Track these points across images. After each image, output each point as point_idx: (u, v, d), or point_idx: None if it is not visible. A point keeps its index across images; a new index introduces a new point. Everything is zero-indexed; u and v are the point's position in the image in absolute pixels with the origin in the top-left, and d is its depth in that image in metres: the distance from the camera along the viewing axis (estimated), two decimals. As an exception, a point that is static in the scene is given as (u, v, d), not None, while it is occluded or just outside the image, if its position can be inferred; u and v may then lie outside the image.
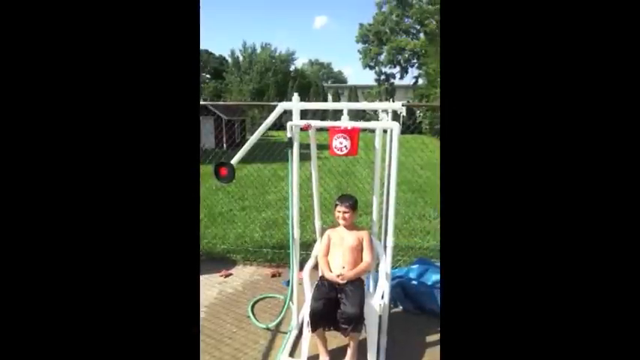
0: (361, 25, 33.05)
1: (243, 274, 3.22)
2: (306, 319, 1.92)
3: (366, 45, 33.28)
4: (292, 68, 39.32)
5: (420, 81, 29.75)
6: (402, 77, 33.51)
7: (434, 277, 2.65)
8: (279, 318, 2.33)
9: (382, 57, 32.82)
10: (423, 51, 27.18)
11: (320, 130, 2.11)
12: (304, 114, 2.05)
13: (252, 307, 2.64)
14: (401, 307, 2.62)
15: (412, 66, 32.65)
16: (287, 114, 2.05)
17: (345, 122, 1.94)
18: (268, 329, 2.36)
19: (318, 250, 2.23)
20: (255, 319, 2.48)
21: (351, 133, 1.90)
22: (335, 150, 1.94)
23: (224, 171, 1.95)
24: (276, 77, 34.01)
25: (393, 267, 2.50)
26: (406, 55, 32.02)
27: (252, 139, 2.01)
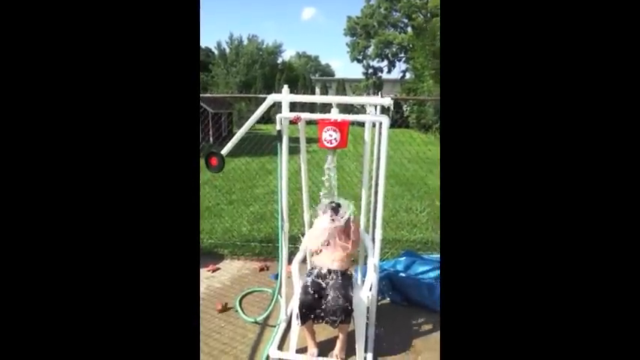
0: (349, 17, 32.93)
1: (230, 268, 3.20)
2: (295, 311, 1.92)
3: (354, 38, 33.15)
4: (280, 61, 38.96)
5: (408, 75, 29.87)
6: (389, 71, 33.57)
7: (421, 269, 2.69)
8: (268, 311, 2.33)
9: (370, 50, 32.77)
10: (411, 45, 27.23)
11: (309, 123, 2.10)
12: (292, 108, 2.04)
13: (240, 301, 2.63)
14: (388, 299, 2.65)
15: (400, 60, 32.73)
16: (275, 107, 2.03)
17: (335, 115, 1.93)
18: (257, 323, 2.36)
19: (307, 239, 2.23)
20: (243, 313, 2.47)
21: (341, 126, 1.90)
22: (324, 142, 1.93)
23: (214, 161, 1.94)
24: (264, 70, 33.61)
25: (381, 259, 2.53)
26: (394, 49, 32.03)
27: (242, 131, 1.99)
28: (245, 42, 36.01)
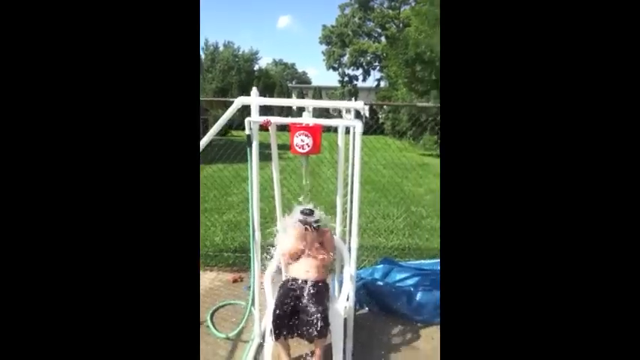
0: (324, 26, 33.29)
1: (202, 280, 3.04)
2: (269, 326, 1.82)
3: (330, 47, 33.50)
4: (256, 67, 38.66)
5: (382, 83, 30.39)
6: (364, 79, 34.05)
7: (399, 276, 2.64)
8: (240, 326, 2.21)
9: (345, 59, 33.17)
10: (384, 54, 27.76)
11: (282, 129, 2.03)
12: (268, 113, 1.96)
13: (212, 315, 2.49)
14: (366, 309, 2.59)
15: (374, 69, 33.29)
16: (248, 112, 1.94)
17: (307, 119, 1.86)
18: (228, 339, 2.23)
19: (279, 246, 2.14)
20: (215, 328, 2.33)
21: (313, 131, 1.83)
22: (296, 148, 1.86)
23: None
24: (240, 76, 33.27)
25: (358, 268, 2.47)
26: (368, 58, 32.58)
27: (210, 134, 1.89)
28: (221, 48, 35.61)
